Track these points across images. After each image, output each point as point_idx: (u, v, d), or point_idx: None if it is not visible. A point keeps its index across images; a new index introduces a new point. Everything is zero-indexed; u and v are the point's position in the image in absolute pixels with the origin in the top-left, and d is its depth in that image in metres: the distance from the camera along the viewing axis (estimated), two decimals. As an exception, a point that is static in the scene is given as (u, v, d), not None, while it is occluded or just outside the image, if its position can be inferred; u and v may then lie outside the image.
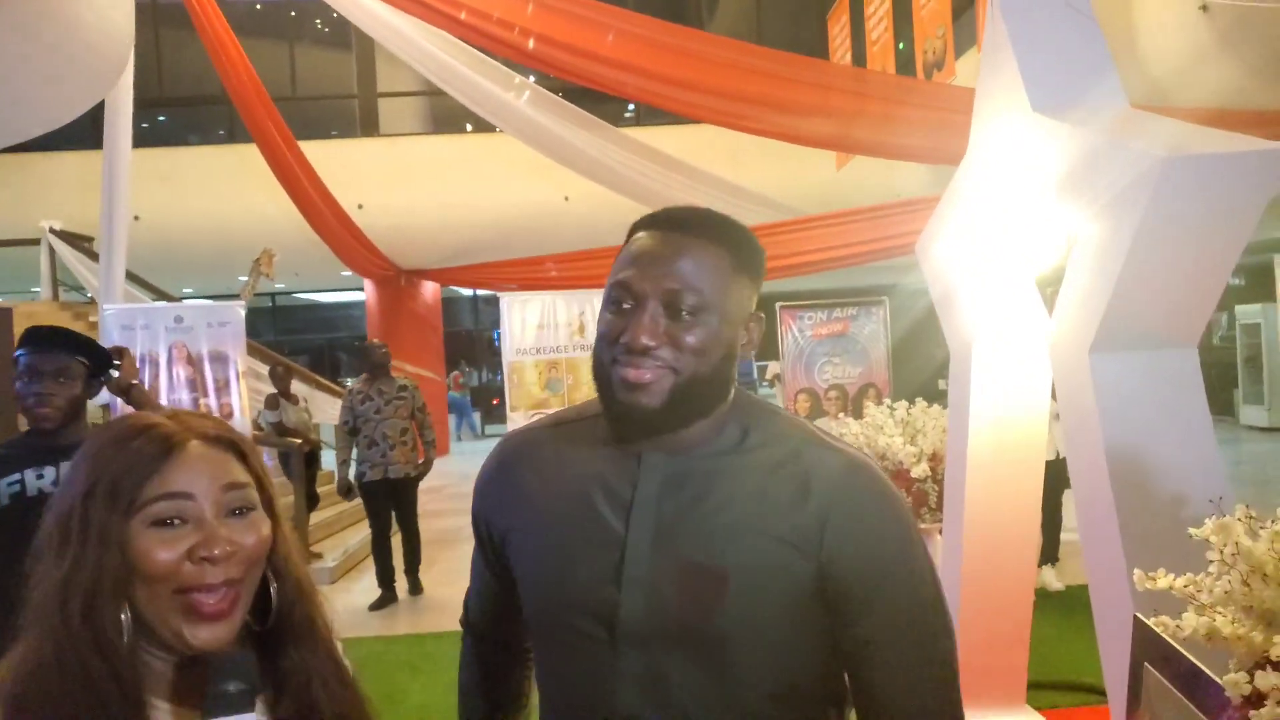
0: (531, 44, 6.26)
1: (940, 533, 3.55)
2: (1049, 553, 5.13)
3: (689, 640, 0.95)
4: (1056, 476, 4.28)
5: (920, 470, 3.63)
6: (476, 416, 15.82)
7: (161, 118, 13.02)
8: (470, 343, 16.91)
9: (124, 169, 6.71)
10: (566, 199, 9.91)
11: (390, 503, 5.56)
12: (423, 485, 5.79)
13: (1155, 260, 2.05)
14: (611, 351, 0.98)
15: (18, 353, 2.28)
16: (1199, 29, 5.82)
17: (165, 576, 0.83)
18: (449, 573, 6.60)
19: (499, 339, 7.50)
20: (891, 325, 6.56)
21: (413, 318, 12.96)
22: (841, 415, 5.34)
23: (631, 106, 11.90)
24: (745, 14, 12.78)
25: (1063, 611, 4.53)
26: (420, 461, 5.67)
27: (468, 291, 16.19)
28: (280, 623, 0.91)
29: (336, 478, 5.71)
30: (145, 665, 0.85)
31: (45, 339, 2.29)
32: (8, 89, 4.71)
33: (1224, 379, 12.46)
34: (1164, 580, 1.69)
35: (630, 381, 0.97)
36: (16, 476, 2.24)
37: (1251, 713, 1.37)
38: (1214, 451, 2.17)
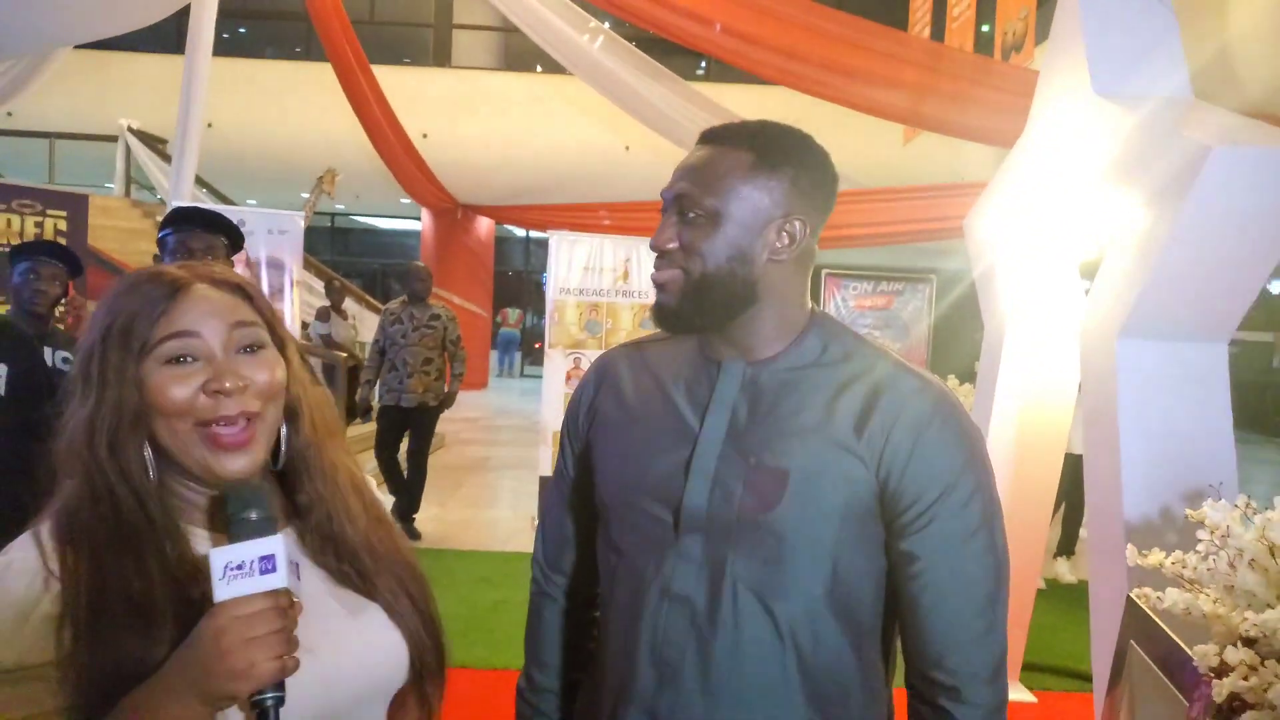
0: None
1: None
2: (1066, 545, 5.15)
3: (746, 531, 1.01)
4: (1083, 471, 4.29)
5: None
6: (518, 356, 16.05)
7: (241, 29, 13.20)
8: (519, 284, 17.07)
9: (203, 74, 6.87)
10: (628, 149, 9.91)
11: (401, 431, 5.43)
12: (459, 415, 5.83)
13: (1195, 250, 2.06)
14: None
15: (164, 232, 2.35)
16: (1295, 34, 5.61)
17: (182, 411, 0.86)
18: (473, 498, 6.81)
19: (545, 282, 7.62)
20: (935, 306, 6.53)
21: (465, 252, 13.11)
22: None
23: (704, 63, 11.78)
24: (829, -22, 12.52)
25: (1070, 603, 4.57)
26: (445, 391, 5.48)
27: (521, 233, 16.30)
28: (294, 461, 0.95)
29: (359, 396, 5.61)
30: (179, 496, 0.90)
31: (194, 218, 2.38)
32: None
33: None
34: (1155, 557, 1.75)
35: (654, 281, 1.08)
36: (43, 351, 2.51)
37: (1215, 681, 1.43)
38: (1230, 449, 2.19)
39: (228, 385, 0.86)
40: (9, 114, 9.99)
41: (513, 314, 15.71)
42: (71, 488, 0.87)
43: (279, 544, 0.81)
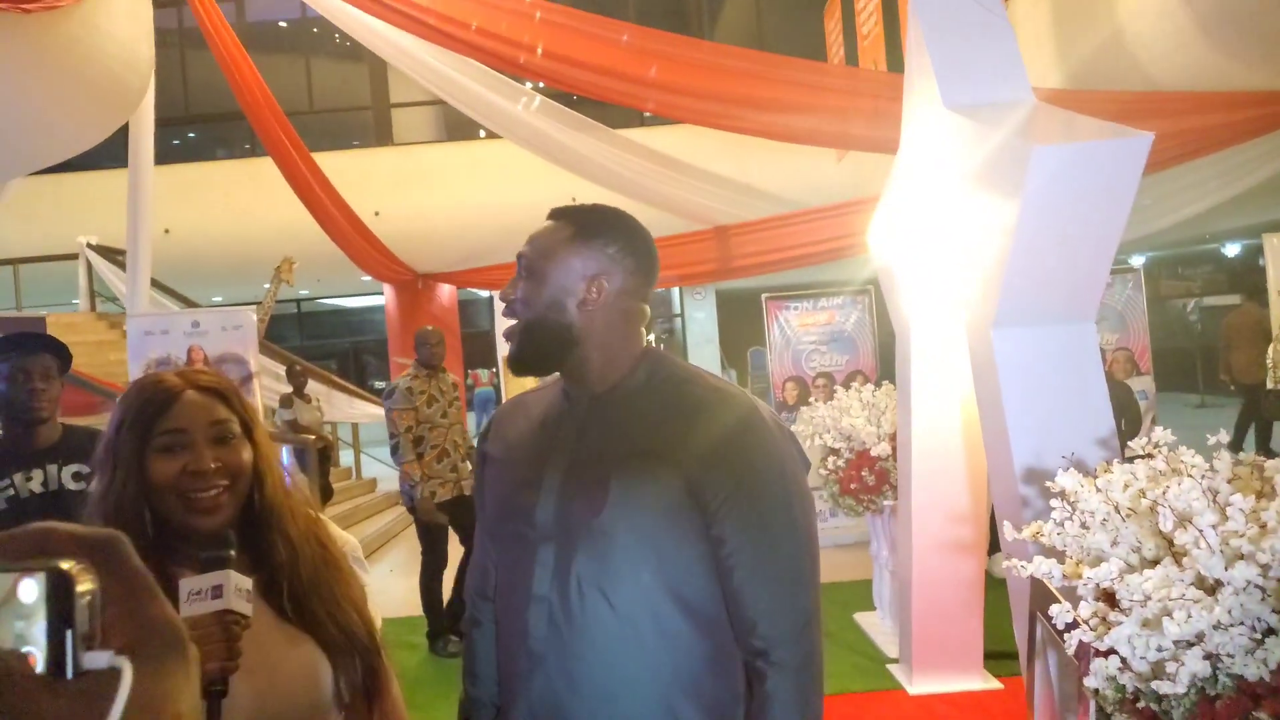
0: (539, 55, 6.44)
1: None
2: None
3: (583, 535, 1.20)
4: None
5: (881, 449, 3.79)
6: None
7: (191, 134, 13.47)
8: (488, 344, 17.17)
9: (147, 185, 7.04)
10: (574, 199, 10.12)
11: (457, 525, 4.56)
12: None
13: (1039, 241, 2.21)
14: None
15: None
16: (1180, 14, 5.88)
17: (170, 486, 1.14)
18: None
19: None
20: (880, 315, 6.68)
21: (430, 320, 13.17)
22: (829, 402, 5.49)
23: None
24: (746, 15, 12.92)
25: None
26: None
27: (485, 293, 16.49)
28: (259, 519, 1.20)
29: (415, 499, 4.50)
30: (173, 549, 1.15)
31: (28, 342, 2.39)
32: (33, 117, 4.99)
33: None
34: (1028, 530, 1.87)
35: (504, 335, 1.33)
36: (6, 482, 2.32)
37: (1066, 636, 1.54)
38: (1109, 420, 2.33)
39: (203, 468, 1.15)
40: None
41: (484, 374, 15.80)
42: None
43: (226, 577, 1.06)
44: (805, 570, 1.20)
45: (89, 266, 10.50)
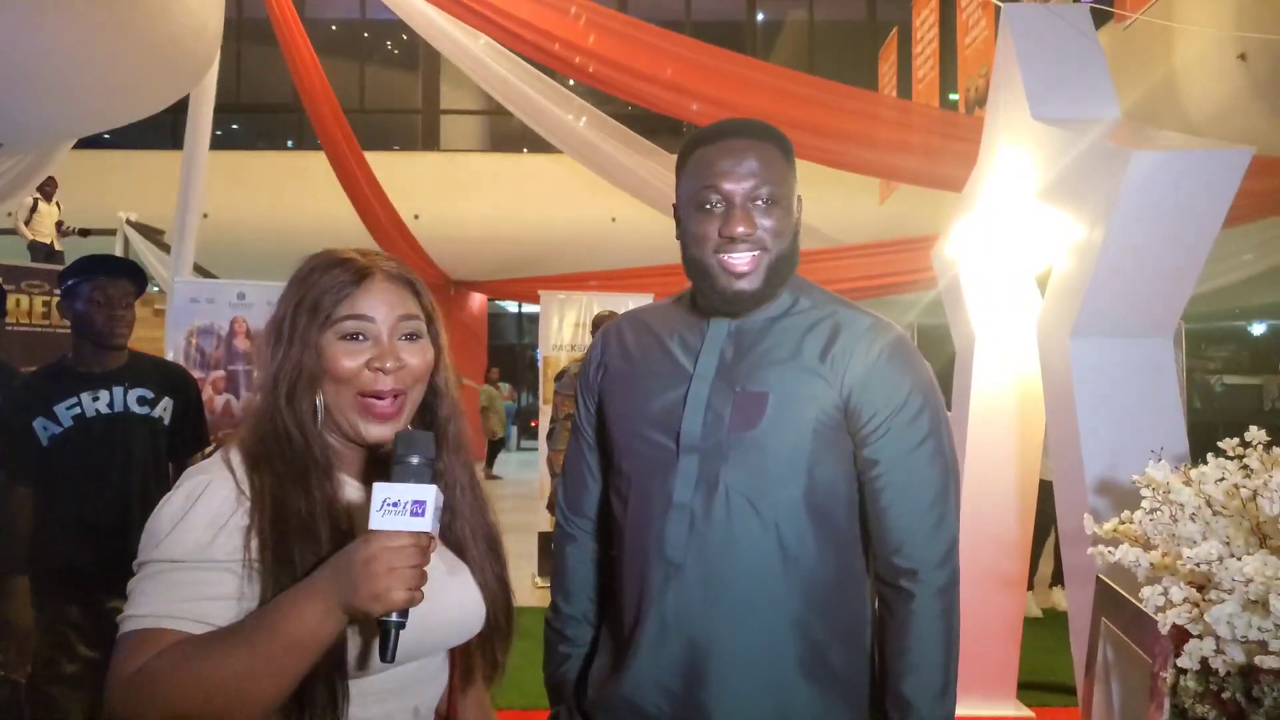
0: (592, 58, 6.54)
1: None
2: (1061, 574, 5.19)
3: (734, 447, 1.20)
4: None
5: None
6: (513, 430, 16.04)
7: (234, 125, 13.69)
8: (513, 357, 17.21)
9: (201, 162, 7.16)
10: (614, 220, 10.21)
11: None
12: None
13: (1128, 251, 2.22)
14: (710, 245, 1.21)
15: (76, 279, 2.37)
16: (1236, 78, 5.94)
17: (348, 379, 1.02)
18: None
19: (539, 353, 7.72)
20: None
21: (459, 327, 13.29)
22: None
23: (686, 129, 12.20)
24: (799, 50, 13.11)
25: (1067, 629, 4.59)
26: None
27: (514, 308, 16.57)
28: (437, 432, 1.08)
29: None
30: (334, 448, 1.05)
31: (112, 267, 2.45)
32: (99, 78, 5.08)
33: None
34: (1109, 525, 1.86)
35: (733, 270, 1.22)
36: (74, 400, 2.36)
37: (1159, 615, 1.54)
38: (1182, 435, 2.32)
39: (388, 365, 1.03)
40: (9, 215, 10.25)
41: (505, 387, 15.77)
42: (255, 425, 1.03)
43: (431, 492, 0.92)
44: (951, 495, 1.22)
45: (125, 242, 10.58)
